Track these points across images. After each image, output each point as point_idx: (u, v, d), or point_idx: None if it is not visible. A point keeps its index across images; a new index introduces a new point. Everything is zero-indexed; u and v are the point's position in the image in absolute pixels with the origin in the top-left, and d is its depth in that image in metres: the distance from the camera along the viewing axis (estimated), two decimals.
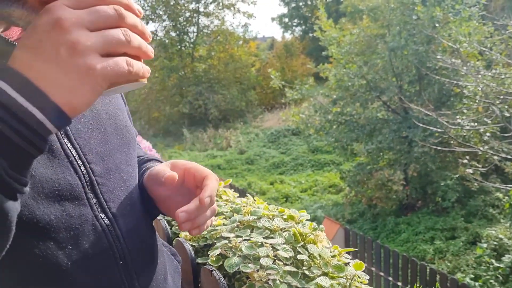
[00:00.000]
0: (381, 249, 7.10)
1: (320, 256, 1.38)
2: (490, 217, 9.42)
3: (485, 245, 7.93)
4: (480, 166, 9.68)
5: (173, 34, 22.59)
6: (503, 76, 9.22)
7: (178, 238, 1.58)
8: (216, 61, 22.23)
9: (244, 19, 44.25)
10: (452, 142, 9.64)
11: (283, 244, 1.44)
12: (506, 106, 8.86)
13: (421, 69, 10.23)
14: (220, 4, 22.28)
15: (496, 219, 9.27)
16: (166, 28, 22.48)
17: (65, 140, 0.74)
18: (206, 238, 1.55)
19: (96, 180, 0.77)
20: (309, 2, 30.38)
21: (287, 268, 1.29)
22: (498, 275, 7.52)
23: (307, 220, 1.64)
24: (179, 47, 22.53)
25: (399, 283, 6.73)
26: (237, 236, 1.49)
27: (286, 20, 31.75)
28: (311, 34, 28.65)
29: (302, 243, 1.46)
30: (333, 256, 1.42)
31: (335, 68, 11.65)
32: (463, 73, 9.65)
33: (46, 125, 0.52)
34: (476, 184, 9.58)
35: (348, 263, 1.35)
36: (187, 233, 1.58)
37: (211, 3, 22.09)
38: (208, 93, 20.70)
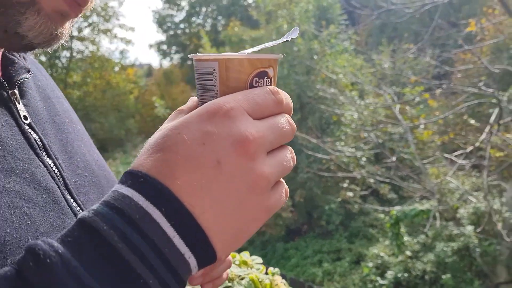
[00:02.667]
0: None
1: None
2: (369, 237, 10.05)
3: (370, 264, 8.39)
4: (359, 189, 10.36)
5: (43, 58, 21.04)
6: (375, 105, 10.04)
7: None
8: (92, 88, 21.13)
9: (122, 45, 43.08)
10: (332, 167, 10.20)
11: None
12: (379, 133, 9.64)
13: (303, 98, 10.73)
14: (96, 29, 21.37)
15: (375, 238, 9.92)
16: (34, 51, 20.90)
17: (69, 196, 0.60)
18: None
19: None
20: (187, 31, 30.57)
21: None
22: None
23: (258, 263, 1.51)
24: (50, 72, 21.04)
25: None
26: None
27: (165, 47, 31.51)
28: (189, 62, 28.79)
29: None
30: None
31: None
32: (340, 103, 10.33)
33: (193, 273, 0.41)
34: (356, 206, 10.21)
35: None
36: None
37: (86, 27, 21.08)
38: (84, 121, 19.28)
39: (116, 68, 23.12)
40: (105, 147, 19.93)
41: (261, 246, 10.85)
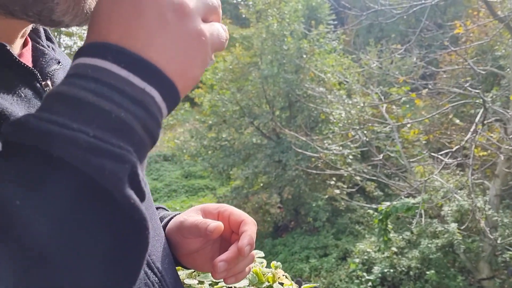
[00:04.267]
0: None
1: None
2: (356, 234, 10.22)
3: (357, 260, 8.55)
4: (345, 186, 10.52)
5: None
6: (362, 104, 10.19)
7: None
8: None
9: None
10: (319, 165, 10.33)
11: (248, 286, 1.38)
12: (365, 132, 9.79)
13: (292, 96, 10.84)
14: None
15: (361, 234, 10.08)
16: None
17: None
18: None
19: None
20: None
21: None
22: (368, 287, 8.16)
23: (260, 257, 1.59)
24: None
25: None
26: (200, 282, 1.38)
27: None
28: None
29: (267, 283, 1.42)
30: None
31: (209, 94, 11.78)
32: (328, 101, 10.47)
33: (163, 111, 0.42)
34: (343, 203, 10.36)
35: None
36: None
37: None
38: None
39: None
40: None
41: None
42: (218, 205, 0.83)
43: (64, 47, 21.58)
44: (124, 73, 0.39)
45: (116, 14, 0.42)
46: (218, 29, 0.47)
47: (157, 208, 0.92)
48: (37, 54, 0.62)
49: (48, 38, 0.69)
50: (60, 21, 0.53)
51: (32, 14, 0.51)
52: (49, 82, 0.59)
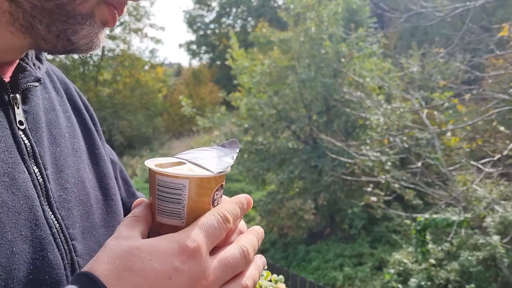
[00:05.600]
0: (298, 279, 7.14)
1: None
2: (392, 243, 9.91)
3: (392, 271, 8.28)
4: (383, 194, 10.23)
5: (75, 56, 21.52)
6: (401, 110, 9.90)
7: None
8: (121, 86, 21.49)
9: (152, 44, 43.60)
10: (356, 171, 10.10)
11: None
12: (405, 138, 9.50)
13: (329, 101, 10.67)
14: (127, 28, 21.73)
15: (398, 244, 9.77)
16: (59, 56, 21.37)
17: (47, 208, 0.58)
18: None
19: (78, 262, 0.61)
20: (217, 31, 30.76)
21: None
22: None
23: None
24: (82, 70, 21.49)
25: None
26: None
27: (194, 47, 31.78)
28: (219, 62, 28.91)
29: None
30: None
31: (246, 97, 11.76)
32: (367, 106, 10.23)
33: None
34: (380, 211, 10.08)
35: None
36: None
37: (117, 26, 21.48)
38: (112, 118, 19.86)
39: (146, 67, 23.46)
40: (132, 144, 20.25)
41: (283, 248, 10.84)
42: None
43: (108, 50, 22.14)
44: None
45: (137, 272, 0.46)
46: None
47: None
48: (18, 70, 0.63)
49: (38, 58, 0.71)
50: (76, 42, 0.56)
51: (54, 30, 0.54)
52: (18, 96, 0.61)
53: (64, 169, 0.65)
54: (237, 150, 0.65)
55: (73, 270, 0.59)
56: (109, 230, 0.70)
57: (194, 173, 0.56)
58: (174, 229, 0.54)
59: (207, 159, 0.61)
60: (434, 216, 7.20)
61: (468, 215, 6.90)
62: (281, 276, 1.50)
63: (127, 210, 0.76)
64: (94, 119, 0.84)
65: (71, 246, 0.60)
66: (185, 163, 0.61)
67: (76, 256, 0.60)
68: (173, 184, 0.55)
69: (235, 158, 0.62)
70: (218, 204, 0.61)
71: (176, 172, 0.55)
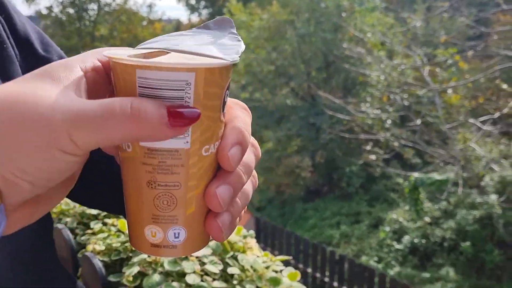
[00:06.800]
0: (292, 237, 7.11)
1: (252, 268, 1.21)
2: (390, 201, 9.88)
3: (387, 229, 8.28)
4: (382, 152, 10.12)
5: (71, 10, 21.01)
6: (403, 67, 9.64)
7: (85, 253, 1.27)
8: (119, 42, 21.08)
9: None
10: (355, 129, 9.95)
11: (211, 255, 1.22)
12: (406, 95, 9.29)
13: (329, 57, 10.40)
14: None
15: (396, 203, 9.74)
16: (63, 3, 20.85)
17: None
18: (120, 251, 1.29)
19: None
20: None
21: (216, 284, 1.13)
22: (398, 256, 7.91)
23: None
24: (78, 25, 21.02)
25: (309, 269, 6.78)
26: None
27: (193, 1, 31.00)
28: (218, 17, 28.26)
29: (232, 253, 1.26)
30: (267, 268, 1.25)
31: (244, 53, 11.46)
32: (367, 63, 9.96)
33: None
34: (378, 170, 10.00)
35: (281, 271, 1.25)
36: (96, 245, 1.30)
37: None
38: None
39: (144, 22, 22.95)
40: None
41: (280, 205, 10.84)
42: None
43: (104, 5, 21.66)
44: None
45: None
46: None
47: None
48: None
49: None
50: None
51: None
52: None
53: None
54: (234, 31, 0.39)
55: None
56: None
57: (200, 61, 0.34)
58: (174, 154, 0.34)
59: (198, 45, 0.37)
60: (429, 175, 7.11)
61: (458, 170, 6.78)
62: (251, 231, 1.42)
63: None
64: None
65: None
66: (169, 53, 0.36)
67: None
68: (169, 82, 0.32)
69: (241, 39, 0.38)
70: (225, 112, 0.38)
71: (175, 62, 0.33)
